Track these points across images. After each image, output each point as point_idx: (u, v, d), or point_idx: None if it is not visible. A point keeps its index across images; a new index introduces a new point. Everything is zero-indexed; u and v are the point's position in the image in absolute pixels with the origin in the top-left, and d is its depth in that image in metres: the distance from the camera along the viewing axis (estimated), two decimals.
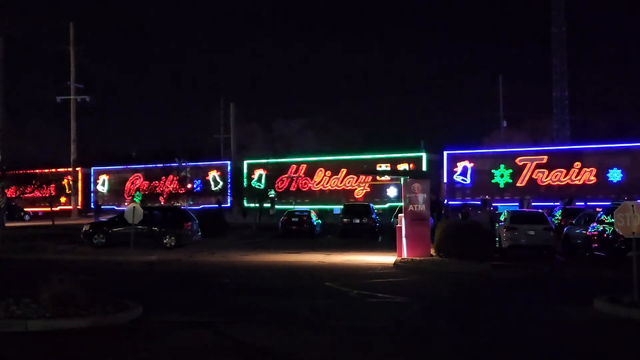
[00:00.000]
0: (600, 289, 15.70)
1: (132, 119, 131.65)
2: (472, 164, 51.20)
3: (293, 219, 38.70)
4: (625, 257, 19.75)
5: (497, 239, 27.85)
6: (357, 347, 10.49)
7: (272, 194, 56.30)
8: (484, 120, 77.71)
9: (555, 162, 48.88)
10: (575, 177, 48.19)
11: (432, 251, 24.52)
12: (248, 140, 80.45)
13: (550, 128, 73.03)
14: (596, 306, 13.78)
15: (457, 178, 51.40)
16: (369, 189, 55.70)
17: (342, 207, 42.26)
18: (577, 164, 48.26)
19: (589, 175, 47.90)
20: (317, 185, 57.95)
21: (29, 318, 11.49)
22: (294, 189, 58.50)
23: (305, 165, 59.08)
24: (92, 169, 66.17)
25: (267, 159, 58.86)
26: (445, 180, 51.95)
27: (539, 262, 24.75)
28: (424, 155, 54.75)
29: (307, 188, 58.21)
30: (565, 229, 28.97)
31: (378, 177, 52.68)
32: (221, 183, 61.35)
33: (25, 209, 59.97)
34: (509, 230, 26.41)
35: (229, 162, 63.03)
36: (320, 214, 46.93)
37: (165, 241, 28.93)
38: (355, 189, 56.34)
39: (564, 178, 48.41)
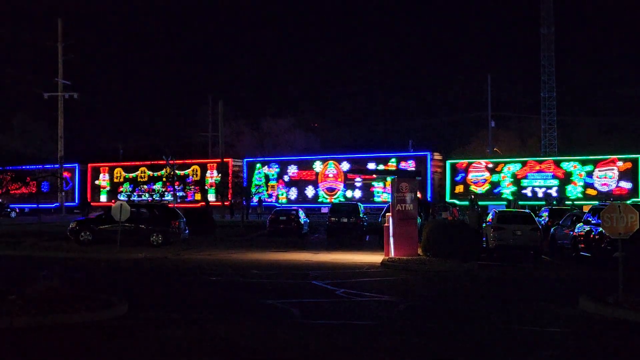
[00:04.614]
0: (586, 288, 15.77)
1: (119, 116, 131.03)
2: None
3: (281, 218, 38.63)
4: (611, 257, 19.88)
5: (484, 238, 27.92)
6: (342, 346, 10.49)
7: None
8: (471, 119, 78.02)
9: None
10: None
11: (420, 250, 24.55)
12: (236, 137, 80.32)
13: (538, 128, 73.35)
14: (582, 305, 13.84)
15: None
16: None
17: (330, 206, 42.34)
18: None
19: None
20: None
21: (14, 314, 11.42)
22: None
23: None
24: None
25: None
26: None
27: (525, 262, 24.84)
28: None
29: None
30: (552, 230, 29.09)
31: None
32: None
33: (11, 205, 59.73)
34: (496, 230, 26.47)
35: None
36: (308, 212, 47.00)
37: (152, 239, 28.80)
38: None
39: None
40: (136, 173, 64.48)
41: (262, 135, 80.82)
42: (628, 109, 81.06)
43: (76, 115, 74.59)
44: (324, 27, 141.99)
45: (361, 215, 39.16)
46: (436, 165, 57.03)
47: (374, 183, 56.71)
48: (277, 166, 60.14)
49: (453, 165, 55.29)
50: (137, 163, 65.15)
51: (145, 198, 60.70)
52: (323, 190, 58.65)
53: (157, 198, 59.85)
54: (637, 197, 48.63)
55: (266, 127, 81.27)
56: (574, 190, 51.23)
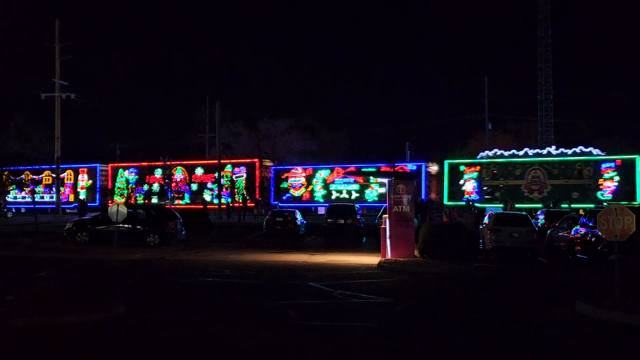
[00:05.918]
0: (583, 291, 15.81)
1: (116, 117, 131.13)
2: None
3: (278, 219, 38.53)
4: (608, 259, 19.90)
5: (480, 240, 27.93)
6: (338, 347, 10.50)
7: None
8: (468, 122, 77.99)
9: None
10: None
11: (416, 252, 24.56)
12: (234, 139, 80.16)
13: (535, 131, 73.39)
14: (578, 308, 13.87)
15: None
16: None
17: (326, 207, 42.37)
18: None
19: None
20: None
21: (12, 315, 11.43)
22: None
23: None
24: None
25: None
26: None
27: (522, 264, 24.86)
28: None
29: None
30: (548, 232, 29.13)
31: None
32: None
33: (7, 206, 59.81)
34: (493, 232, 26.51)
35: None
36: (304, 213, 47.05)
37: (149, 239, 28.76)
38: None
39: None
40: (21, 176, 67.36)
41: (260, 136, 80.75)
42: (626, 111, 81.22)
43: (75, 116, 74.66)
44: (323, 28, 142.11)
45: (358, 216, 39.16)
46: (266, 171, 62.17)
47: (209, 185, 61.86)
48: (135, 171, 64.34)
49: (277, 172, 61.40)
50: (22, 167, 68.16)
51: (29, 199, 63.72)
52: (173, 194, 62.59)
53: (39, 199, 63.04)
54: (420, 197, 53.97)
55: (263, 128, 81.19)
56: (371, 194, 56.63)
